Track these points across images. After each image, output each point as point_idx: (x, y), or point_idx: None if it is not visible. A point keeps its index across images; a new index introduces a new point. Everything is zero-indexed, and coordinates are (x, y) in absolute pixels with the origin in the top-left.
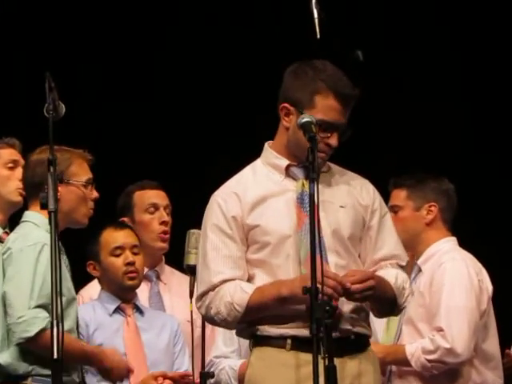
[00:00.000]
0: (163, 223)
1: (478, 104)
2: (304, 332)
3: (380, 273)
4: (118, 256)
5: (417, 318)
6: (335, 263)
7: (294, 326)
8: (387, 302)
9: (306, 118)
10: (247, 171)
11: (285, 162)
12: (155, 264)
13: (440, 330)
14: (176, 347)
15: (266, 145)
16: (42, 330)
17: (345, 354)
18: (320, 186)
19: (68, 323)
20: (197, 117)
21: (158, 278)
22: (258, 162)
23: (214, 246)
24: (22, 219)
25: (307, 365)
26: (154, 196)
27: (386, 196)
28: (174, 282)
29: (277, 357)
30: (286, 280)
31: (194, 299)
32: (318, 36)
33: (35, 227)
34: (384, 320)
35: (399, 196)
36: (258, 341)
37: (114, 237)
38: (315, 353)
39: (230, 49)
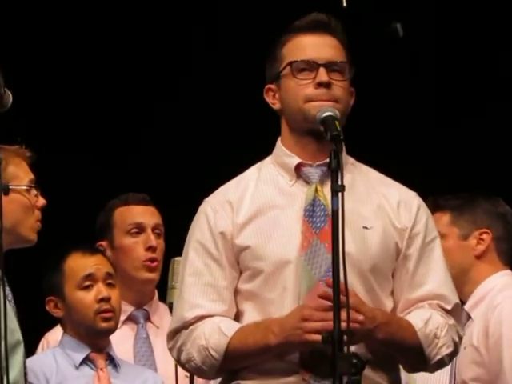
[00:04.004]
0: (150, 249)
1: None
2: None
3: (409, 315)
4: (87, 289)
5: (475, 380)
6: None
7: (288, 381)
8: (410, 352)
9: (327, 112)
10: (251, 172)
11: (295, 161)
12: (143, 301)
13: None
14: None
15: (278, 140)
16: None
17: None
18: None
19: (12, 375)
20: (197, 119)
21: (148, 319)
22: (267, 161)
23: (194, 269)
24: None
25: None
26: (139, 213)
27: None
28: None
29: None
30: (275, 321)
31: None
32: (345, 4)
33: None
34: None
35: (441, 221)
36: None
37: (81, 264)
38: None
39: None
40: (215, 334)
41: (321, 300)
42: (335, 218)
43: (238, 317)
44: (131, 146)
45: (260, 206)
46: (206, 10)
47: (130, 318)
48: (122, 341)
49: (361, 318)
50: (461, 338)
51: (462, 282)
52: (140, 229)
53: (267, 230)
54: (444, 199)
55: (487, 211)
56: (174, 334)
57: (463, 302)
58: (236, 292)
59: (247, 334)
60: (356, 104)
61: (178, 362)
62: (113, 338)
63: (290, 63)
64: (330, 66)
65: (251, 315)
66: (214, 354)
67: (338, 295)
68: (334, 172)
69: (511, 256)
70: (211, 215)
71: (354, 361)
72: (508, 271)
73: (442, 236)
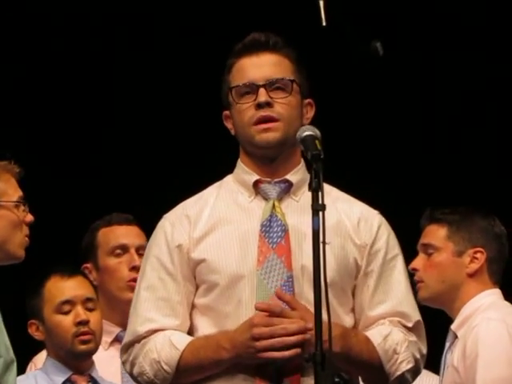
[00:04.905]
0: (134, 269)
1: None
2: None
3: (368, 331)
4: (66, 313)
5: None
6: None
7: None
8: (369, 368)
9: (307, 132)
10: (211, 189)
11: (253, 178)
12: None
13: None
14: None
15: (239, 158)
16: None
17: None
18: (294, 213)
19: None
20: (180, 141)
21: None
22: (228, 178)
23: (149, 284)
24: None
25: None
26: (122, 234)
27: (416, 232)
28: None
29: None
30: (225, 336)
31: None
32: (324, 23)
33: None
34: None
35: (437, 234)
36: None
37: (60, 288)
38: None
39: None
40: (166, 347)
41: (269, 317)
42: (316, 238)
43: (191, 331)
44: (117, 166)
45: (217, 220)
46: (173, 26)
47: (117, 339)
48: (109, 362)
49: (310, 325)
50: (423, 356)
51: (453, 297)
52: (124, 249)
53: (223, 244)
54: (441, 212)
55: (483, 229)
56: (126, 348)
57: (453, 320)
58: (192, 307)
59: (198, 348)
60: (353, 118)
61: (131, 375)
62: (100, 359)
63: (230, 89)
64: (270, 85)
65: (206, 330)
66: (165, 367)
67: (319, 315)
68: (314, 191)
69: (502, 277)
70: (169, 230)
71: (337, 379)
72: (495, 290)
73: (437, 249)
